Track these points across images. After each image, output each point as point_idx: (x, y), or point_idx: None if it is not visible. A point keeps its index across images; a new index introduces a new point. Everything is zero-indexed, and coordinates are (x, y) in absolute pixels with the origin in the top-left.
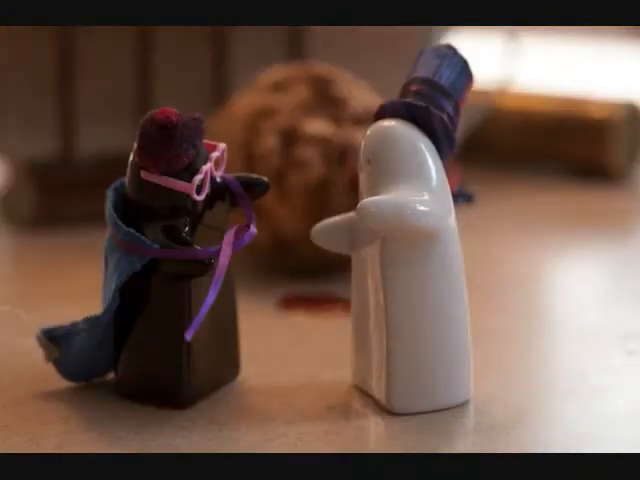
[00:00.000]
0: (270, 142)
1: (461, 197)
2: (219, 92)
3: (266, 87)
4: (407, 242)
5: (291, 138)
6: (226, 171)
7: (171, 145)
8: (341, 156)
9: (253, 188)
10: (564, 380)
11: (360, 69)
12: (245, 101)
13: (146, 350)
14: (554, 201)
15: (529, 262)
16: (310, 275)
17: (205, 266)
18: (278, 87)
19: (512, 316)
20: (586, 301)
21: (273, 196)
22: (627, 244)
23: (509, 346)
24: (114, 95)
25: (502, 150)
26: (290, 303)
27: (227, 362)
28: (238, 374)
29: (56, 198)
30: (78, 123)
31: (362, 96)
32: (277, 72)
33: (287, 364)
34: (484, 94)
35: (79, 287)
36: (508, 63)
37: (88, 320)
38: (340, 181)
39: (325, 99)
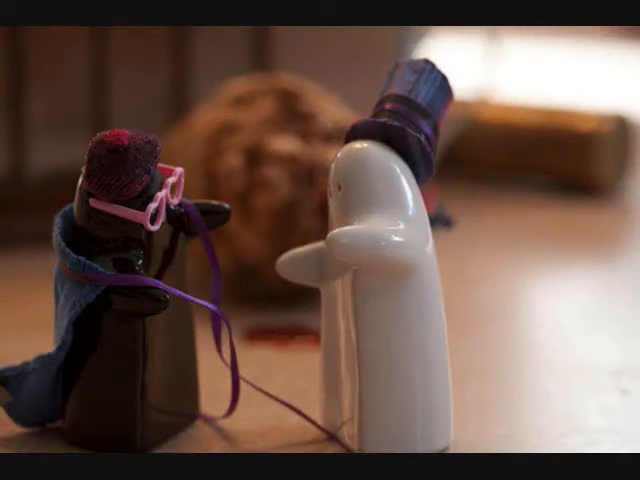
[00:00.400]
0: (233, 161)
1: (439, 222)
2: (178, 106)
3: (228, 101)
4: (381, 275)
5: (256, 156)
6: (184, 194)
7: (122, 170)
8: (310, 176)
9: (213, 216)
10: (553, 424)
11: (329, 81)
12: (206, 116)
13: (97, 392)
14: (537, 218)
15: (510, 286)
16: (277, 304)
17: (160, 303)
18: (241, 101)
19: (493, 349)
20: (572, 330)
21: (236, 219)
22: (614, 265)
23: (490, 384)
24: (66, 109)
25: (482, 164)
26: (255, 335)
27: (185, 403)
28: (198, 416)
29: (5, 218)
30: (29, 139)
31: (332, 110)
32: (240, 85)
33: (252, 404)
34: (463, 104)
35: (25, 317)
36: (489, 70)
37: (40, 359)
38: (309, 203)
39: (292, 114)
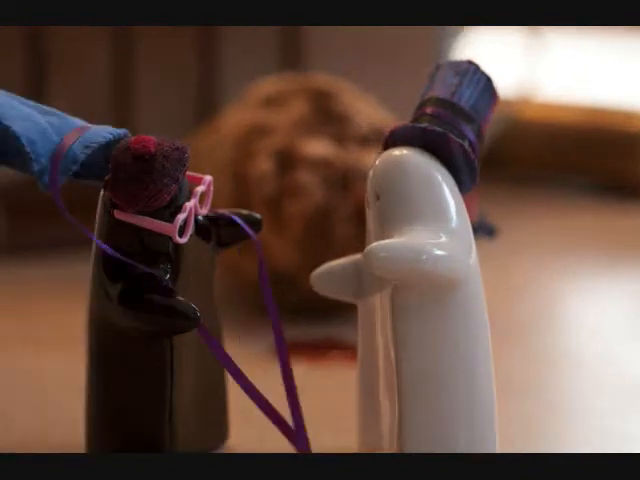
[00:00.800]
0: (264, 165)
1: (481, 230)
2: (205, 107)
3: (258, 102)
4: (423, 291)
5: (287, 160)
6: (213, 201)
7: (150, 179)
8: (344, 181)
9: (243, 227)
10: (606, 448)
11: (365, 81)
12: (235, 118)
13: (126, 415)
14: (580, 222)
15: (554, 294)
16: (310, 316)
17: (191, 320)
18: (272, 102)
19: (537, 363)
20: (623, 343)
21: (267, 226)
22: None
23: (536, 402)
24: (88, 108)
25: (524, 165)
26: (287, 350)
27: (214, 425)
28: (227, 439)
29: (20, 223)
30: None
31: (368, 112)
32: (271, 84)
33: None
34: (505, 103)
35: (39, 328)
36: (531, 67)
37: None
38: (343, 209)
39: (326, 116)
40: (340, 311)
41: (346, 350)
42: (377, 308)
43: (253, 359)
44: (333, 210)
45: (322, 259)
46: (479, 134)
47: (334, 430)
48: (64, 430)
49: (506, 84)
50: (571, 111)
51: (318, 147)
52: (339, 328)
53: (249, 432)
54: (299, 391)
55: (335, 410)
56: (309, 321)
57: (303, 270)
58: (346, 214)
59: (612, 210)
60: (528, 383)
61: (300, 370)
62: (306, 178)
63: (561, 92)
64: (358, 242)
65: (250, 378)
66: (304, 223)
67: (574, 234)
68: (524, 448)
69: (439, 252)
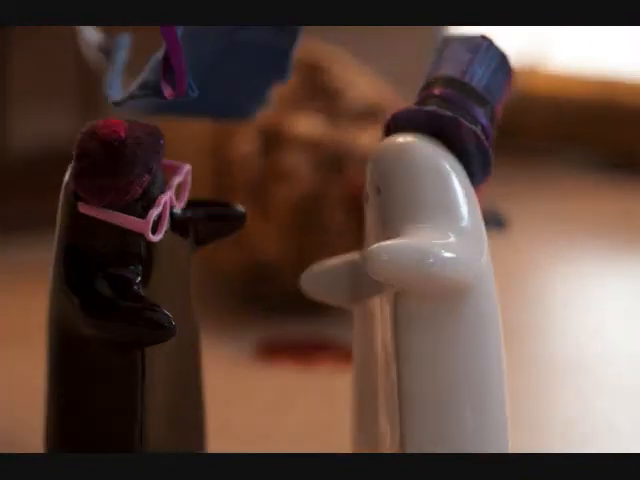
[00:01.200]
0: (247, 145)
1: (491, 222)
2: None
3: None
4: (430, 297)
5: (273, 140)
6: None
7: (119, 169)
8: (336, 163)
9: (225, 222)
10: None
11: (362, 50)
12: None
13: (93, 429)
14: (588, 198)
15: (564, 283)
16: (297, 312)
17: (165, 330)
18: None
19: (547, 368)
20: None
21: (251, 212)
22: None
23: (556, 414)
24: (52, 77)
25: (530, 137)
26: (270, 350)
27: (189, 437)
28: (204, 452)
29: None
30: (10, 109)
31: (364, 86)
32: None
33: (267, 437)
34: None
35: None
36: (538, 37)
37: None
38: (335, 194)
39: (316, 89)
40: (330, 307)
41: (337, 351)
42: (376, 317)
43: (234, 358)
44: (323, 195)
45: (311, 250)
46: (492, 118)
47: (326, 441)
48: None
49: (512, 54)
50: (579, 82)
51: (307, 125)
52: (329, 326)
53: (229, 445)
54: (282, 399)
55: (325, 422)
56: (295, 318)
57: (289, 261)
58: (337, 200)
59: (621, 189)
60: (543, 394)
61: (284, 376)
62: (294, 160)
63: (571, 62)
64: (351, 232)
65: (232, 377)
66: (291, 209)
67: (580, 212)
68: (525, 448)
69: (448, 254)
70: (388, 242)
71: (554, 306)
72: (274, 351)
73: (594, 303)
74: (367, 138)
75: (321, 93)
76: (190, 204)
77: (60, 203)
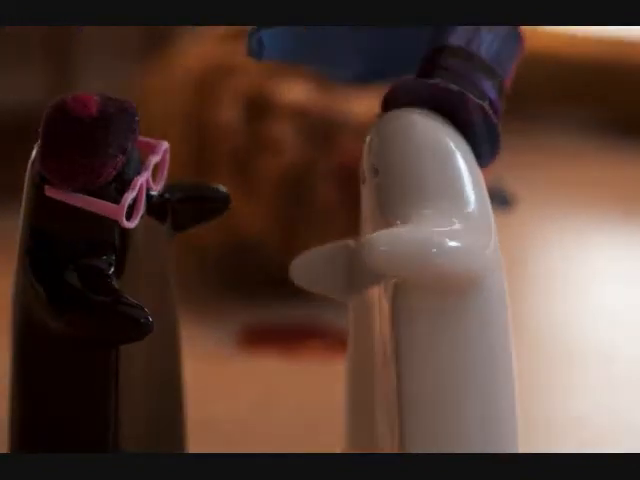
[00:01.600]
0: (229, 112)
1: (496, 201)
2: (155, 34)
3: (224, 34)
4: (431, 291)
5: (258, 107)
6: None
7: (90, 149)
8: (326, 132)
9: (206, 205)
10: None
11: None
12: (193, 53)
13: (61, 432)
14: (592, 165)
15: (570, 263)
16: (283, 294)
17: (141, 326)
18: (240, 35)
19: (552, 362)
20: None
21: (234, 186)
22: None
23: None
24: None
25: (531, 100)
26: (254, 337)
27: (167, 436)
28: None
29: None
30: None
31: None
32: None
33: (252, 435)
34: None
35: None
36: None
37: None
38: (324, 167)
39: None
40: None
41: (329, 339)
42: (374, 309)
43: (215, 348)
44: (311, 168)
45: (298, 227)
46: (501, 91)
47: (316, 439)
48: None
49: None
50: (585, 42)
51: (295, 91)
52: (319, 311)
53: (210, 443)
54: (269, 393)
55: (314, 418)
56: (282, 301)
57: (275, 239)
58: (327, 173)
59: (626, 152)
60: (550, 391)
61: (269, 365)
62: (280, 129)
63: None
64: (344, 208)
65: (213, 369)
66: (277, 183)
67: (585, 182)
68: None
69: (452, 244)
70: (387, 231)
71: (560, 288)
72: (259, 340)
73: (600, 286)
74: (362, 106)
75: None
76: (168, 186)
77: (25, 184)
